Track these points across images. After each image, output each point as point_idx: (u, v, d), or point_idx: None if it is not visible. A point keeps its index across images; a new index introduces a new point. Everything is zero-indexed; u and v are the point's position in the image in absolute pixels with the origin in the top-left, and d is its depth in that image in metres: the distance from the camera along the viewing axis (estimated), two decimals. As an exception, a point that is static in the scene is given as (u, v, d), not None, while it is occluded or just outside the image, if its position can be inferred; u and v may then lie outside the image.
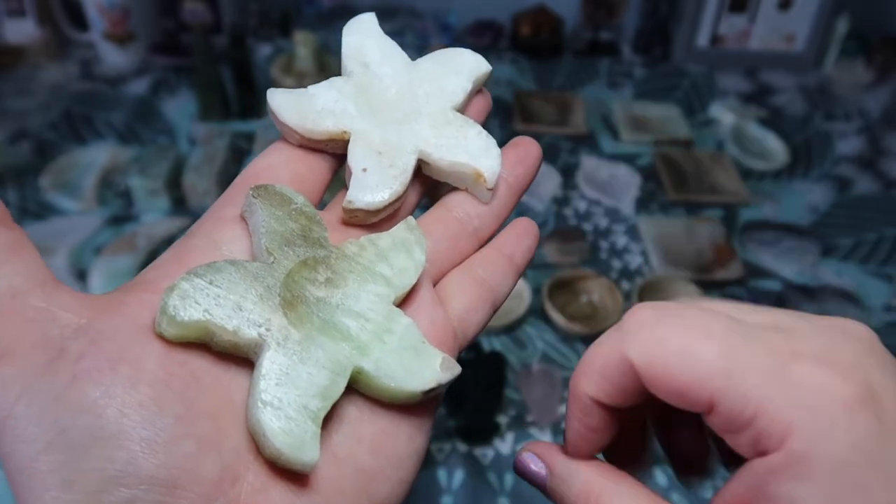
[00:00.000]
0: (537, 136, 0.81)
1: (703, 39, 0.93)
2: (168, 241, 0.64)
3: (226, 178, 0.69)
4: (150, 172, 0.69)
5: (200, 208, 0.68)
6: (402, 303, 0.20)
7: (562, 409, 0.52)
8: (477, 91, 0.24)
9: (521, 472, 0.20)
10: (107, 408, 0.15)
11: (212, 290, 0.17)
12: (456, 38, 0.97)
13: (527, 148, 0.23)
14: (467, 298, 0.21)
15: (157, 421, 0.15)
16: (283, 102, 0.21)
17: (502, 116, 0.84)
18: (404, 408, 0.19)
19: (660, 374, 0.16)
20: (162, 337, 0.16)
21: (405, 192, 0.21)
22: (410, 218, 0.21)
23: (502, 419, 0.51)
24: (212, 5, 0.91)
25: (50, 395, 0.15)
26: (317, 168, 0.21)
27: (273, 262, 0.18)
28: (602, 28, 0.97)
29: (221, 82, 0.78)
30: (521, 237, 0.23)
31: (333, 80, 0.22)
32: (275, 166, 0.21)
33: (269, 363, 0.17)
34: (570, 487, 0.19)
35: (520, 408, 0.52)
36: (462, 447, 0.49)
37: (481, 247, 0.22)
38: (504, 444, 0.49)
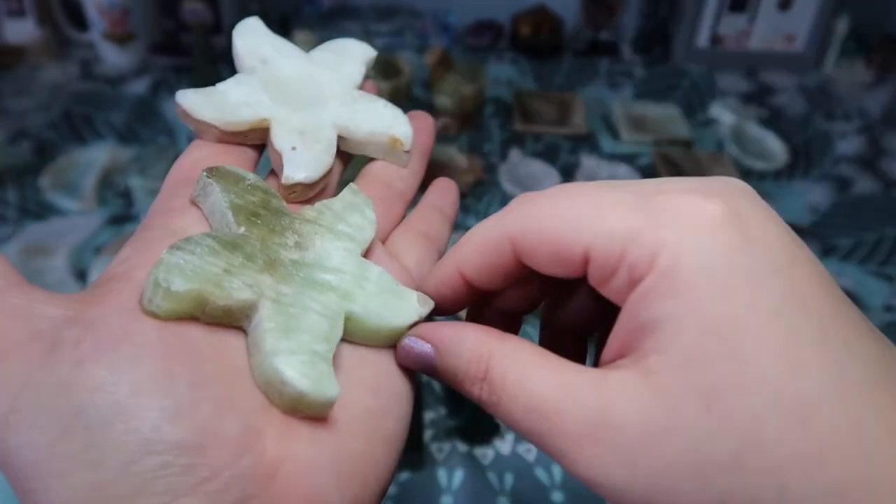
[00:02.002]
0: (537, 137, 0.81)
1: (703, 39, 0.93)
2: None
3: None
4: (150, 172, 0.69)
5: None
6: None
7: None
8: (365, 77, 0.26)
9: (407, 359, 0.20)
10: (119, 384, 0.15)
11: (197, 261, 0.17)
12: (456, 38, 0.97)
13: (424, 119, 0.26)
14: (417, 251, 0.23)
15: (171, 389, 0.15)
16: (196, 101, 0.22)
17: (502, 116, 0.84)
18: (391, 349, 0.20)
19: (535, 239, 0.18)
20: (153, 315, 0.16)
21: (333, 165, 0.23)
22: (352, 184, 0.23)
23: (502, 419, 0.51)
24: (212, 5, 0.91)
25: (56, 382, 0.15)
26: (241, 159, 0.22)
27: (244, 232, 0.19)
28: (602, 28, 0.97)
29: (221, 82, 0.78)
30: (445, 192, 0.26)
31: (238, 76, 0.23)
32: (201, 161, 0.21)
33: (270, 318, 0.17)
34: (460, 357, 0.18)
35: (520, 408, 0.52)
36: (462, 447, 0.49)
37: (408, 207, 0.25)
38: (504, 444, 0.49)
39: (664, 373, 0.15)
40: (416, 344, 0.19)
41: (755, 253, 0.15)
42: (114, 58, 0.89)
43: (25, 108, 0.81)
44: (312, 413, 0.17)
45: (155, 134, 0.78)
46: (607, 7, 0.95)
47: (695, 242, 0.15)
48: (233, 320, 0.18)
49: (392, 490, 0.47)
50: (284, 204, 0.20)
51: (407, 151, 0.24)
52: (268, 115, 0.22)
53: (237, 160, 0.22)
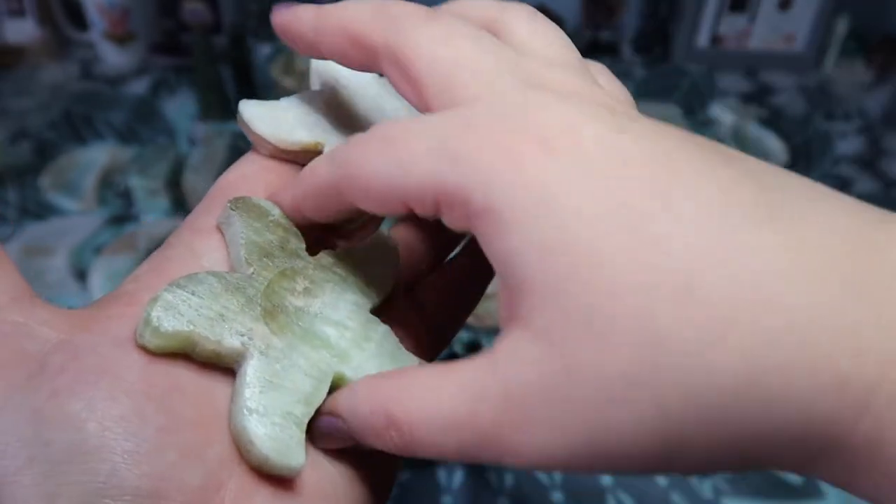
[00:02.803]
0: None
1: (703, 39, 0.93)
2: (168, 241, 0.64)
3: (226, 178, 0.69)
4: (150, 172, 0.69)
5: (200, 208, 0.68)
6: (378, 308, 0.20)
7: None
8: None
9: (326, 441, 0.18)
10: (88, 421, 0.15)
11: (194, 301, 0.17)
12: (456, 38, 0.97)
13: None
14: (439, 300, 0.22)
15: (139, 432, 0.15)
16: (256, 113, 0.21)
17: (502, 116, 0.84)
18: None
19: (356, 189, 0.17)
20: (144, 348, 0.16)
21: None
22: (382, 230, 0.22)
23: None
24: (212, 5, 0.91)
25: (31, 409, 0.15)
26: (288, 177, 0.22)
27: (252, 273, 0.18)
28: (602, 28, 0.97)
29: (221, 82, 0.78)
30: (476, 250, 0.24)
31: (303, 93, 0.23)
32: (248, 177, 0.21)
33: (253, 371, 0.17)
34: (357, 414, 0.17)
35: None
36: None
37: (443, 257, 0.23)
38: (504, 444, 0.49)
39: (536, 315, 0.14)
40: (324, 421, 0.18)
41: (562, 160, 0.15)
42: (114, 58, 0.89)
43: (25, 108, 0.81)
44: (277, 476, 0.17)
45: (155, 134, 0.78)
46: (607, 7, 0.95)
47: (498, 173, 0.15)
48: (223, 363, 0.17)
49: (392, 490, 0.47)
50: (304, 247, 0.20)
51: None
52: (322, 140, 0.22)
53: (284, 179, 0.21)
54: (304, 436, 0.17)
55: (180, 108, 0.82)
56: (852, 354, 0.13)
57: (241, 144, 0.74)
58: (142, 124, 0.80)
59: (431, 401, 0.16)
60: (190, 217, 0.20)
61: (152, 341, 0.16)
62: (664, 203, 0.14)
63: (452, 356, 0.53)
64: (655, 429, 0.14)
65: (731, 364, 0.13)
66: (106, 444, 0.15)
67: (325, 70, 0.23)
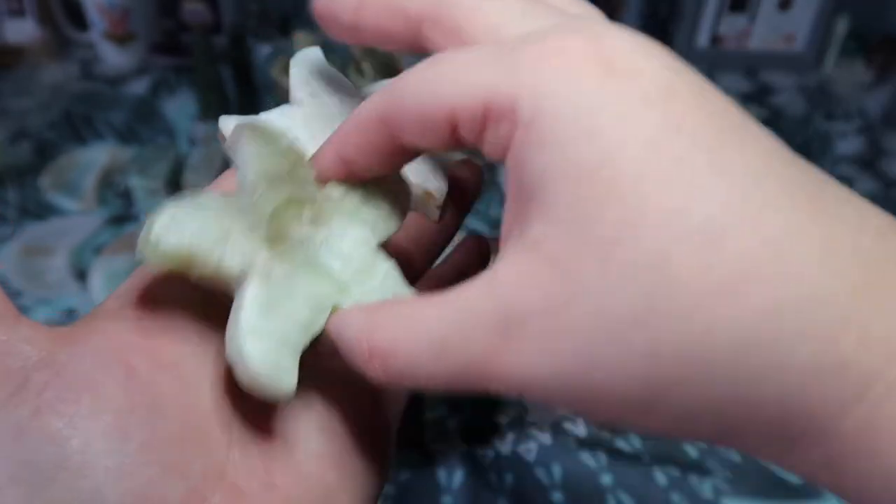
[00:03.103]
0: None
1: (702, 39, 0.93)
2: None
3: (226, 178, 0.69)
4: (150, 172, 0.69)
5: (200, 208, 0.68)
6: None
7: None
8: None
9: (327, 359, 0.18)
10: (71, 438, 0.15)
11: (198, 221, 0.16)
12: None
13: (471, 168, 0.24)
14: None
15: (121, 449, 0.15)
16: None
17: (502, 116, 0.84)
18: (365, 425, 0.19)
19: (402, 110, 0.16)
20: (144, 262, 0.16)
21: None
22: (402, 170, 0.21)
23: (502, 419, 0.51)
24: (212, 5, 0.91)
25: (12, 427, 0.15)
26: None
27: (259, 198, 0.18)
28: (602, 28, 0.97)
29: (221, 82, 0.78)
30: (471, 253, 0.24)
31: (283, 108, 0.22)
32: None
33: (252, 295, 0.17)
34: (343, 335, 0.17)
35: (520, 408, 0.52)
36: (462, 447, 0.49)
37: (433, 260, 0.23)
38: (504, 444, 0.49)
39: (550, 239, 0.14)
40: (322, 345, 0.18)
41: (622, 86, 0.14)
42: (114, 58, 0.89)
43: (25, 108, 0.81)
44: (267, 400, 0.16)
45: (155, 134, 0.78)
46: (607, 7, 0.95)
47: (554, 84, 0.14)
48: (221, 285, 0.17)
49: (392, 490, 0.47)
50: (313, 175, 0.19)
51: (439, 206, 0.23)
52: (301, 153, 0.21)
53: None
54: (297, 363, 0.17)
55: (180, 108, 0.82)
56: (860, 341, 0.13)
57: (241, 144, 0.73)
58: (142, 124, 0.80)
59: (420, 328, 0.15)
60: None
61: (151, 258, 0.16)
62: (710, 158, 0.14)
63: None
64: (641, 372, 0.13)
65: (734, 324, 0.13)
66: (88, 461, 0.15)
67: (303, 83, 0.23)
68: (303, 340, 0.17)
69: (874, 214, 0.14)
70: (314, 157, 0.19)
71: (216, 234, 0.17)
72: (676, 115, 0.14)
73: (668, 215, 0.13)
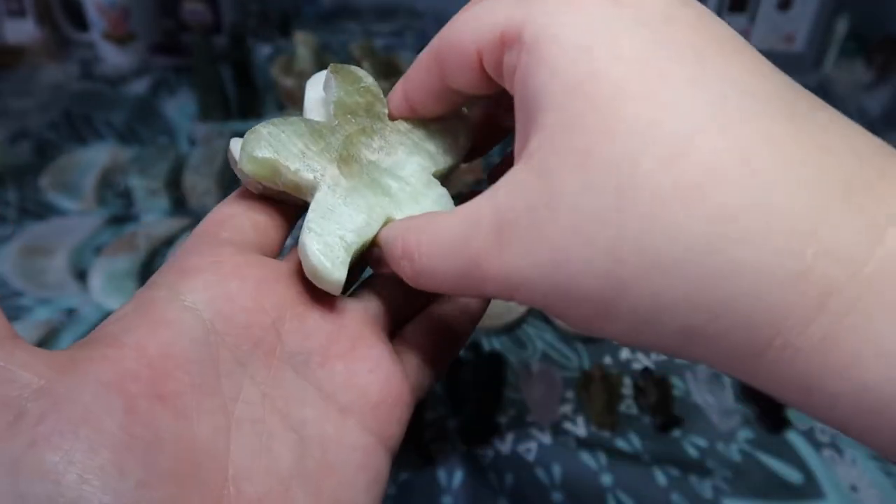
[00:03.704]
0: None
1: (703, 39, 0.93)
2: (168, 242, 0.64)
3: (226, 178, 0.69)
4: (150, 172, 0.69)
5: (200, 208, 0.68)
6: (361, 355, 0.21)
7: (563, 408, 0.52)
8: None
9: (375, 265, 0.21)
10: (66, 473, 0.14)
11: (283, 137, 0.20)
12: (456, 38, 0.97)
13: None
14: (423, 351, 0.22)
15: (118, 486, 0.15)
16: None
17: (502, 116, 0.84)
18: (362, 462, 0.20)
19: (446, 49, 0.19)
20: (242, 174, 0.20)
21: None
22: (464, 108, 0.24)
23: (502, 419, 0.51)
24: (212, 5, 0.91)
25: (8, 459, 0.14)
26: (276, 216, 0.22)
27: (336, 126, 0.21)
28: (602, 28, 0.97)
29: (221, 82, 0.78)
30: None
31: (293, 120, 0.23)
32: (235, 215, 0.21)
33: (318, 200, 0.20)
34: (387, 238, 0.20)
35: (520, 408, 0.52)
36: (462, 447, 0.49)
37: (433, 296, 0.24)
38: (504, 444, 0.49)
39: (541, 149, 0.15)
40: (374, 250, 0.21)
41: (622, 11, 0.15)
42: (114, 58, 0.89)
43: (25, 108, 0.81)
44: (324, 288, 0.20)
45: (155, 134, 0.78)
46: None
47: (558, 13, 0.15)
48: (300, 194, 0.21)
49: (392, 490, 0.47)
50: (386, 112, 0.22)
51: None
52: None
53: (272, 216, 0.22)
54: (349, 259, 0.20)
55: (180, 108, 0.82)
56: (824, 252, 0.13)
57: (241, 144, 0.73)
58: (142, 124, 0.80)
59: (438, 230, 0.18)
60: (178, 255, 0.20)
61: (247, 166, 0.20)
62: (692, 72, 0.14)
63: (457, 362, 0.53)
64: (603, 269, 0.14)
65: (697, 224, 0.13)
66: (84, 498, 0.14)
67: (317, 107, 0.24)
68: (357, 242, 0.20)
69: (857, 133, 0.15)
70: (388, 96, 0.22)
71: (296, 150, 0.20)
72: (668, 35, 0.15)
73: (641, 124, 0.14)
